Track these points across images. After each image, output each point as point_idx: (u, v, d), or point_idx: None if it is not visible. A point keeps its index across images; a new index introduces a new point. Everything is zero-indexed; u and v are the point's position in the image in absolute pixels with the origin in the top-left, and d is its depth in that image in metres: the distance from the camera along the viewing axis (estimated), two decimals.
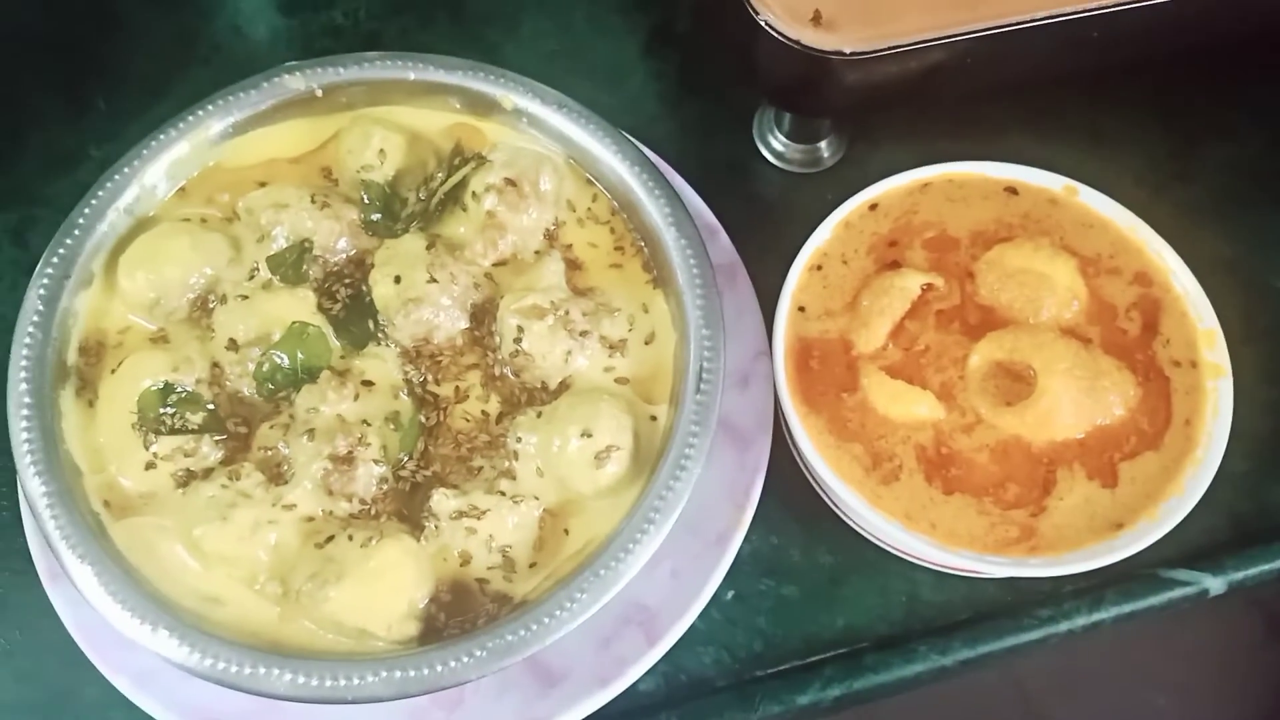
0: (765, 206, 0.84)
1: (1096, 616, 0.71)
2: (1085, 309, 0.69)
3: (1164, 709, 1.57)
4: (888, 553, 0.69)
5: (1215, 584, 0.72)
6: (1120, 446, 0.65)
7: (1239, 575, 0.73)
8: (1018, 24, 0.70)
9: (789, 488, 0.71)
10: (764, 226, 0.78)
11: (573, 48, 0.91)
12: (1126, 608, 0.71)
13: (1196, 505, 0.63)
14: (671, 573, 0.67)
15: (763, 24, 0.70)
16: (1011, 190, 0.73)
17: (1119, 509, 0.64)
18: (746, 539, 0.70)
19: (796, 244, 0.70)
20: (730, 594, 0.71)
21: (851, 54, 0.69)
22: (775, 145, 0.85)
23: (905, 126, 0.83)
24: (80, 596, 0.59)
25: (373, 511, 0.63)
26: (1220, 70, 0.85)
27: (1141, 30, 0.73)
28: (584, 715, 0.64)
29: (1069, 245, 0.71)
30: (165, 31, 0.91)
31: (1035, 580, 0.72)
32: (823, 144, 0.85)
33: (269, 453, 0.64)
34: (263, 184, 0.71)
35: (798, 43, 0.69)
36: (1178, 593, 0.72)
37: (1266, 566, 0.73)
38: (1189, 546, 0.73)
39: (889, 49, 0.69)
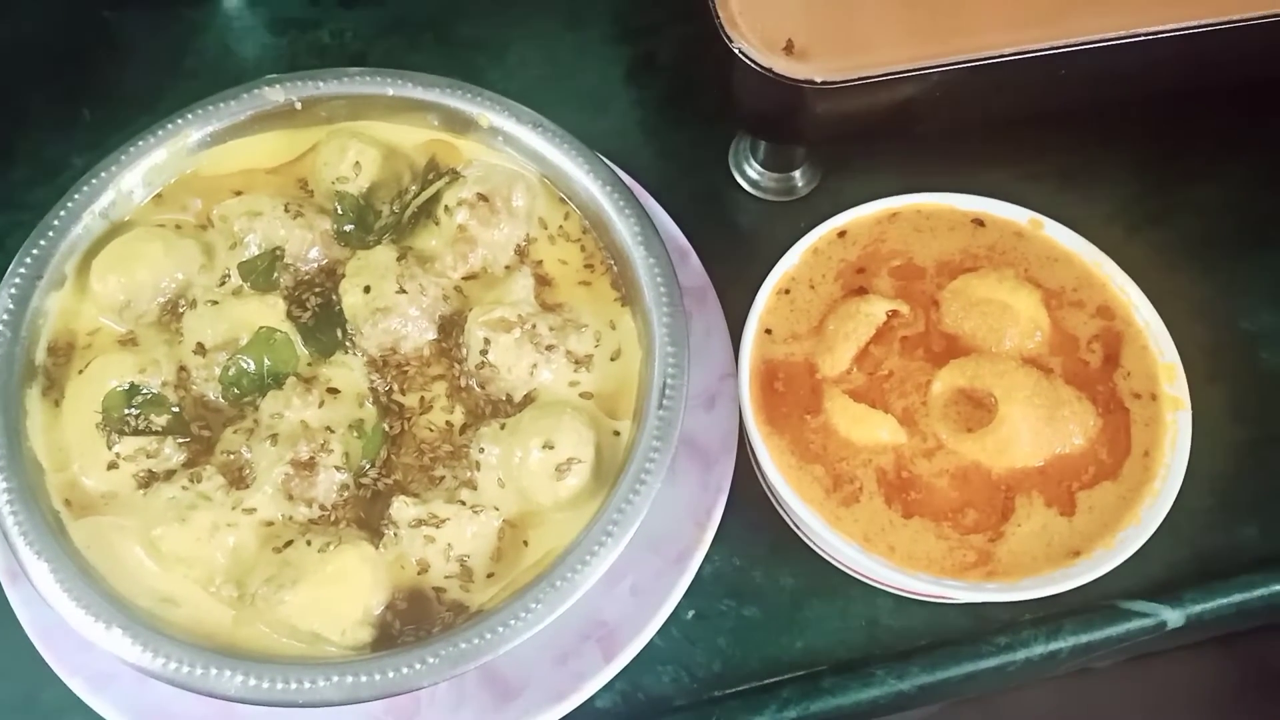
0: (739, 233, 0.86)
1: (1054, 645, 0.71)
2: (1048, 340, 0.70)
3: None
4: (849, 577, 0.70)
5: (1174, 616, 0.73)
6: (1079, 475, 0.66)
7: (1197, 609, 0.73)
8: (987, 59, 0.72)
9: (753, 511, 0.71)
10: (737, 252, 0.79)
11: (557, 75, 0.92)
12: (1084, 638, 0.72)
13: (1157, 539, 0.63)
14: (631, 590, 0.67)
15: (736, 51, 0.71)
16: (978, 222, 0.74)
17: (1076, 537, 0.64)
18: (709, 560, 0.70)
19: (765, 270, 0.71)
20: (691, 614, 0.71)
21: (823, 83, 0.70)
22: (751, 174, 0.87)
23: (879, 159, 0.84)
24: (38, 596, 0.60)
25: (332, 518, 0.64)
26: (1193, 115, 0.87)
27: (1109, 70, 0.75)
28: None
29: (1033, 277, 0.72)
30: (155, 47, 0.92)
31: (995, 608, 0.72)
32: (797, 174, 0.86)
33: (231, 456, 0.64)
34: (239, 193, 0.72)
35: (770, 71, 0.71)
36: (1136, 624, 0.72)
37: (1225, 600, 0.73)
38: (1149, 579, 0.73)
39: (860, 79, 0.71)
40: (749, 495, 0.71)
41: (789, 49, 0.71)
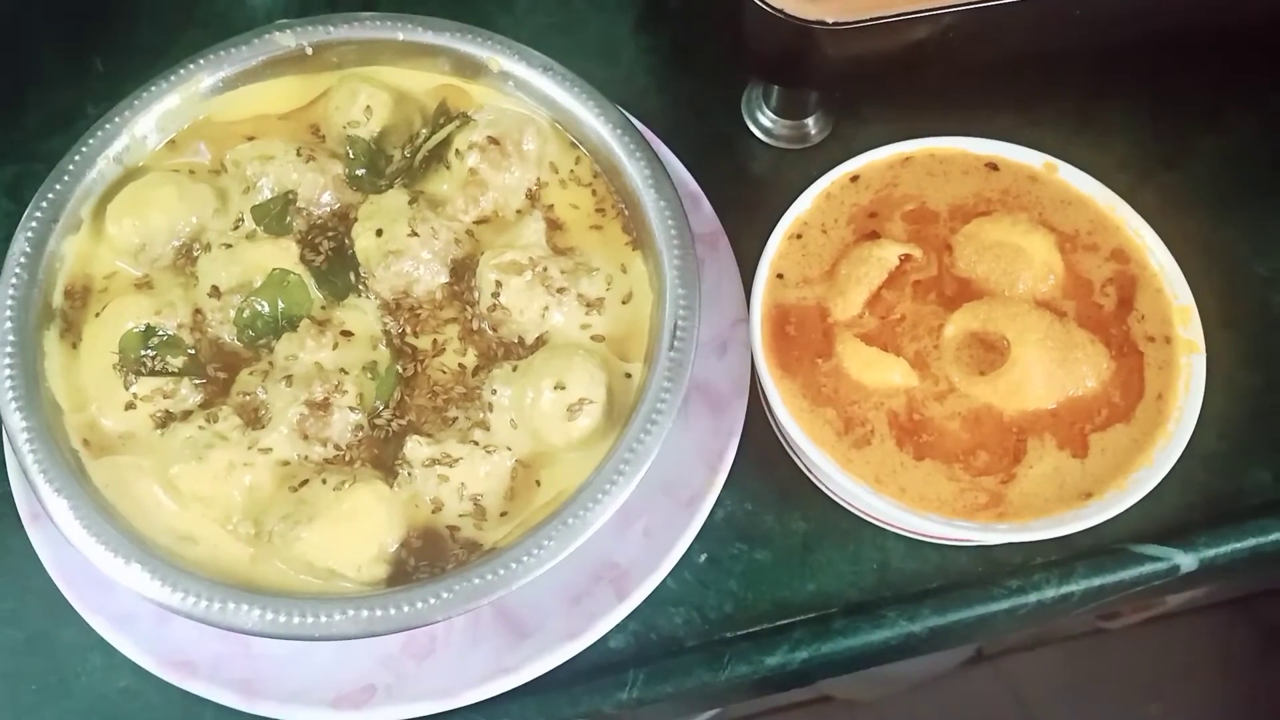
0: (751, 180, 0.85)
1: (1066, 589, 0.71)
2: (1061, 283, 0.69)
3: (1157, 718, 1.58)
4: (860, 521, 0.70)
5: (1187, 560, 0.72)
6: (1091, 418, 0.66)
7: (1210, 553, 0.73)
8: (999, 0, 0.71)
9: (765, 456, 0.72)
10: (749, 200, 0.79)
11: (567, 22, 0.92)
12: (1096, 581, 0.72)
13: (1170, 484, 0.63)
14: (644, 532, 0.68)
15: None
16: (992, 166, 0.73)
17: (1088, 479, 0.64)
18: (721, 504, 0.70)
19: (777, 216, 0.70)
20: (703, 557, 0.72)
21: (834, 24, 0.70)
22: (763, 121, 0.86)
23: (893, 106, 0.84)
24: (60, 536, 0.60)
25: (347, 457, 0.64)
26: (1209, 59, 0.85)
27: (1123, 10, 0.74)
28: (552, 666, 0.65)
29: (1047, 221, 0.71)
30: None
31: (1006, 551, 0.72)
32: (810, 121, 0.86)
33: (247, 397, 0.65)
34: (251, 138, 0.72)
35: (781, 12, 0.70)
36: (1148, 567, 0.72)
37: (1238, 545, 0.73)
38: (1161, 523, 0.73)
39: (872, 20, 0.70)
40: (761, 440, 0.71)
41: None
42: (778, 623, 0.70)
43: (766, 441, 0.71)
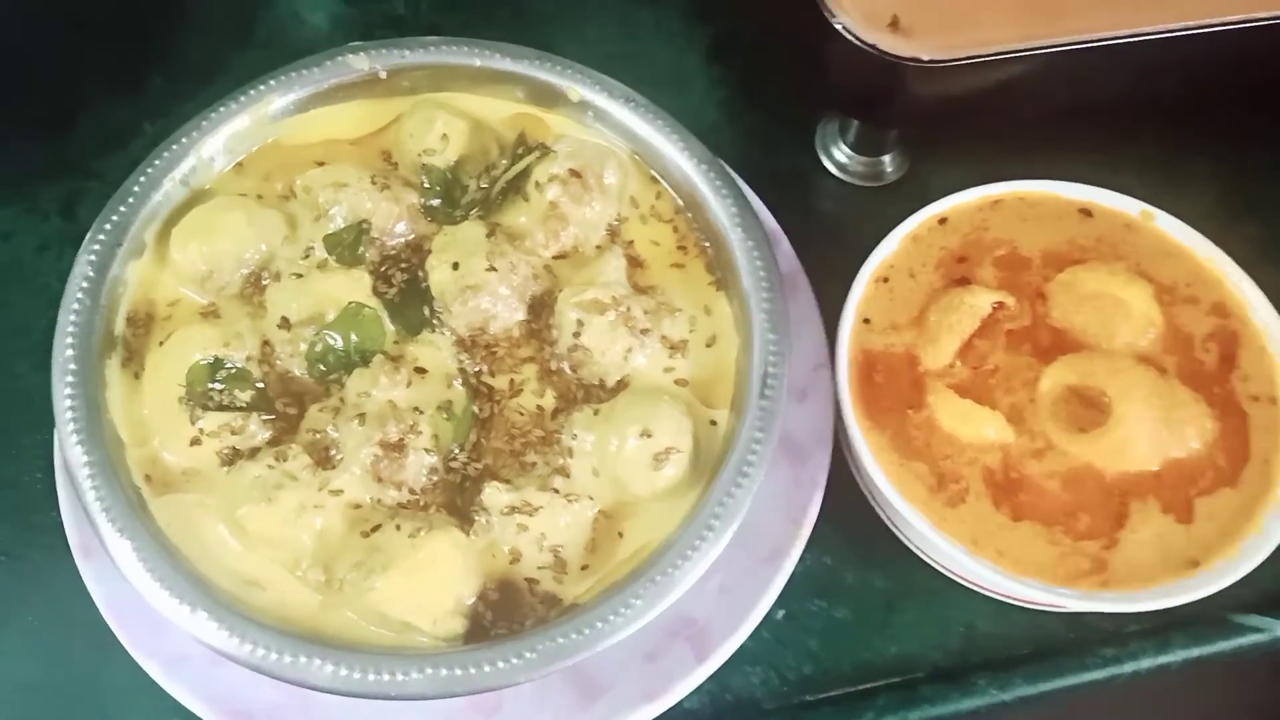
0: (826, 218, 0.83)
1: (1163, 659, 0.68)
2: (1161, 337, 0.66)
3: None
4: (945, 579, 0.67)
5: None
6: (1196, 481, 0.63)
7: None
8: (1099, 41, 0.69)
9: (844, 507, 0.68)
10: (824, 238, 0.76)
11: (636, 52, 0.90)
12: (1195, 651, 0.68)
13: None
14: (721, 588, 0.65)
15: (839, 28, 0.68)
16: (1086, 212, 0.71)
17: (1194, 546, 0.61)
18: (799, 559, 0.67)
19: (855, 257, 0.68)
20: (781, 614, 0.68)
21: (929, 62, 0.67)
22: (838, 157, 0.84)
23: (971, 145, 0.81)
24: (115, 573, 0.57)
25: (422, 502, 0.61)
26: None
27: (1224, 55, 0.72)
28: None
29: (1145, 271, 0.68)
30: (225, 15, 0.90)
31: (1098, 617, 0.69)
32: (886, 158, 0.83)
33: (318, 436, 0.62)
34: (321, 164, 0.69)
35: (874, 48, 0.68)
36: (1249, 639, 0.69)
37: None
38: (1264, 591, 0.69)
39: (966, 58, 0.68)
40: (840, 492, 0.68)
41: (894, 25, 0.69)
42: (860, 686, 0.67)
43: (845, 492, 0.68)
